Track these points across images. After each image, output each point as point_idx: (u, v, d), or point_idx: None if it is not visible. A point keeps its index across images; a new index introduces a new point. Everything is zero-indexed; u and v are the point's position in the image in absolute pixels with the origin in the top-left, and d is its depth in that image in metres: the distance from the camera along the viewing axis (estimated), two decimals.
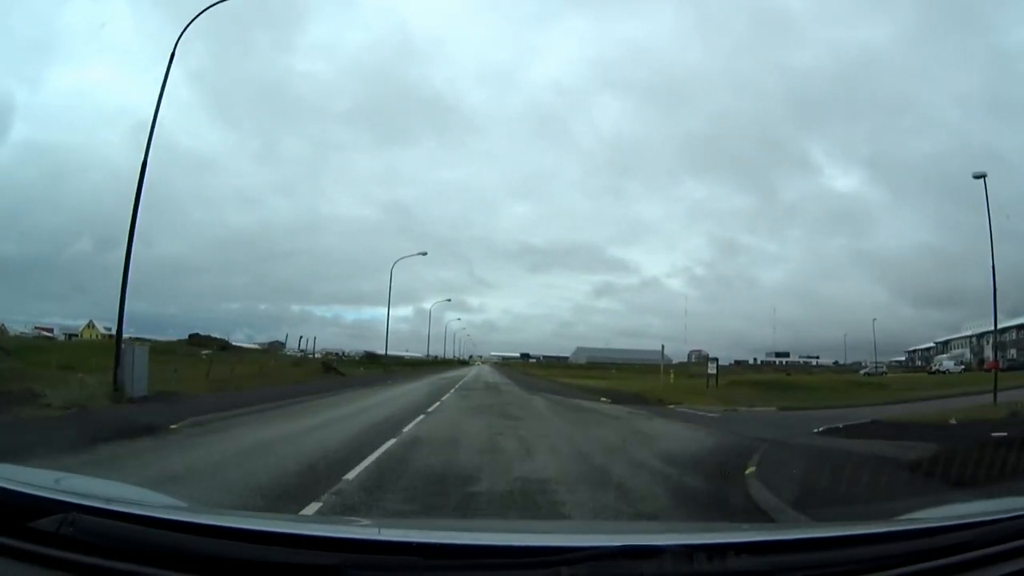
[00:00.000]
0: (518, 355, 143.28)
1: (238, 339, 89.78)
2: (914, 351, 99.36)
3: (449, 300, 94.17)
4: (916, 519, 2.02)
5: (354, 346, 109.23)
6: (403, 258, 48.69)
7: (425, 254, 53.89)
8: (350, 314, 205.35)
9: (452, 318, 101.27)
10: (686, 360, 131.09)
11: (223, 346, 64.06)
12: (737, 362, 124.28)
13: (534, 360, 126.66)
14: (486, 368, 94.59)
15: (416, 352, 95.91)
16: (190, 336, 78.20)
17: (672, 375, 38.82)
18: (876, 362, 77.28)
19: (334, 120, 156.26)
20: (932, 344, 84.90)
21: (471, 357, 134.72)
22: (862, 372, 65.65)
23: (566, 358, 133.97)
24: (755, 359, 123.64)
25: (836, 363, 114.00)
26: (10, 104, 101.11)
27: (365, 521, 4.05)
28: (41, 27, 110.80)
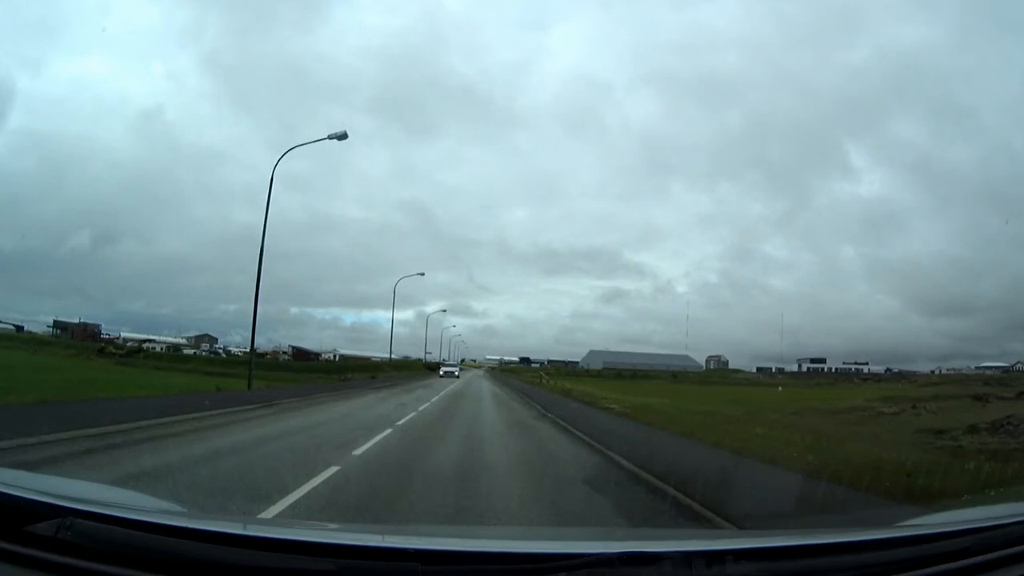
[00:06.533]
0: (517, 359, 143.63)
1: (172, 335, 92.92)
2: None
3: (445, 311, 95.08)
4: (915, 525, 2.11)
5: (354, 350, 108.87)
6: (404, 277, 55.96)
7: (423, 274, 58.75)
8: (349, 317, 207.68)
9: (450, 324, 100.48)
10: (704, 367, 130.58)
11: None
12: (759, 369, 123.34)
13: (536, 364, 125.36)
14: (482, 380, 60.60)
15: (384, 354, 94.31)
16: (54, 321, 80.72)
17: None
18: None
19: (352, 110, 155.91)
20: None
21: (462, 361, 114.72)
22: None
23: (575, 363, 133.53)
24: (800, 365, 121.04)
25: (888, 370, 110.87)
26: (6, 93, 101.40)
27: (363, 526, 4.14)
28: (42, 10, 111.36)
